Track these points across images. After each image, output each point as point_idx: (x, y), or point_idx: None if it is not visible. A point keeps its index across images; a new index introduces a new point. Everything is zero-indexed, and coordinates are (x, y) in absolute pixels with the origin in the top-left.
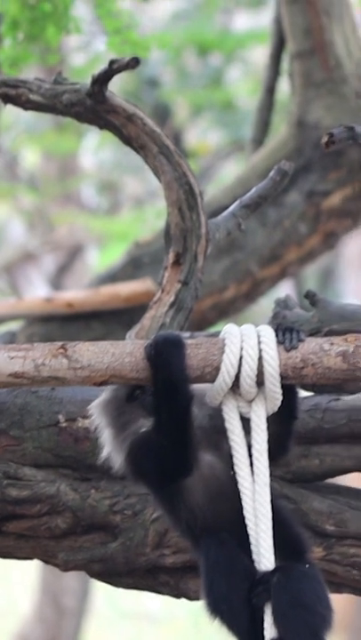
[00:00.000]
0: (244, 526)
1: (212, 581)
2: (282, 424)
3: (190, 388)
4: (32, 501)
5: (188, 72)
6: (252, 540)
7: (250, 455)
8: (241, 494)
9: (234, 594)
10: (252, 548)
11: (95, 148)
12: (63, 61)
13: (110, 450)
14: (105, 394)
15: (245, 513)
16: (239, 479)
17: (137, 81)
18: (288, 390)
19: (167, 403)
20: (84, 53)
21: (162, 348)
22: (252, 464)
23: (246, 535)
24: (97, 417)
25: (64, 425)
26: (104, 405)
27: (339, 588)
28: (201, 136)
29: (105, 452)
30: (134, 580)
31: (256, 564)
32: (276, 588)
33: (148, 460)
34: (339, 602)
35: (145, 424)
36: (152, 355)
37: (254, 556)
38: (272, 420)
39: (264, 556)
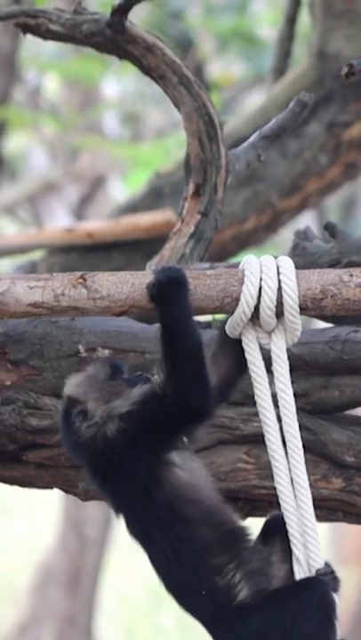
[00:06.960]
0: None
1: None
2: (233, 373)
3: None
4: (52, 431)
5: (212, 4)
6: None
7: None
8: (264, 428)
9: None
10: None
11: (118, 77)
12: None
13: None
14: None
15: (270, 451)
16: (261, 410)
17: (161, 14)
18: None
19: (180, 339)
20: None
21: (165, 288)
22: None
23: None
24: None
25: (84, 355)
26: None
27: (358, 519)
28: (225, 68)
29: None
30: None
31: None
32: None
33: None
34: (356, 533)
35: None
36: (155, 295)
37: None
38: (228, 365)
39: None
